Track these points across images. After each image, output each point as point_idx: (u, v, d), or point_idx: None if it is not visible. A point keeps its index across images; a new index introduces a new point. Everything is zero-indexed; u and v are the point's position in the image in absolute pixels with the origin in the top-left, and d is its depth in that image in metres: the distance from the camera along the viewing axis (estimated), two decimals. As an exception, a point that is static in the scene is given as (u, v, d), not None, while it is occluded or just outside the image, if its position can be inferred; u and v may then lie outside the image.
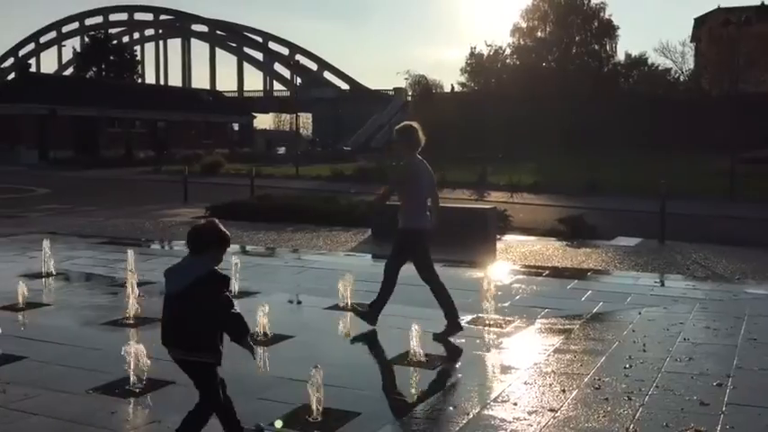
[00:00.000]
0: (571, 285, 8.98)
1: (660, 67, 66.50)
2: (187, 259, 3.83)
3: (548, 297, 8.23)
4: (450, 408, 4.75)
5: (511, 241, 13.10)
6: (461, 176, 29.09)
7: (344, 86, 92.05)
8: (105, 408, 4.67)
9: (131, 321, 6.83)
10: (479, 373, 5.60)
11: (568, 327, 6.88)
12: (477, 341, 6.45)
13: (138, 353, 5.01)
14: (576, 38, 68.36)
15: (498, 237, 13.00)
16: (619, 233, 14.30)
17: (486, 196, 24.07)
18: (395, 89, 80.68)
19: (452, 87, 68.00)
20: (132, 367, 5.00)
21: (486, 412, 4.66)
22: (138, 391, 4.93)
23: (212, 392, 3.88)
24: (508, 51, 67.80)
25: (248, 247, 12.33)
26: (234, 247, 12.34)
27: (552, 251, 12.04)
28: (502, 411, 4.67)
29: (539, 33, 68.87)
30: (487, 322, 6.95)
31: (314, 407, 4.45)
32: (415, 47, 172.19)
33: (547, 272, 9.92)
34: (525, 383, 5.22)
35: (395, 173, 6.58)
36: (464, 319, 7.05)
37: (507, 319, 7.11)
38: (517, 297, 8.20)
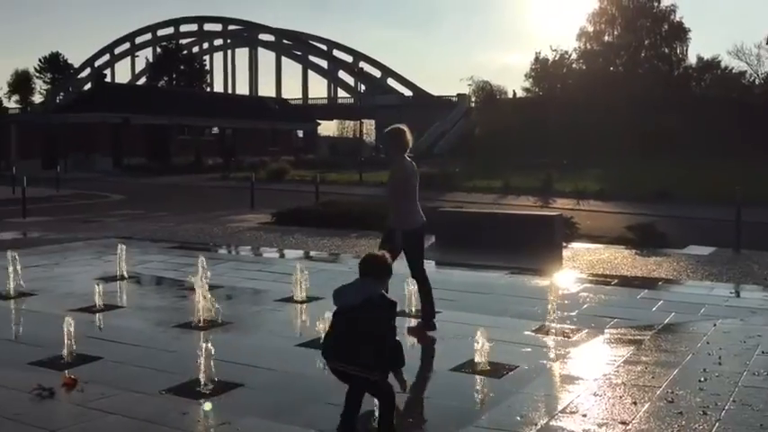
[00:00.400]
0: (641, 295, 8.75)
1: (734, 70, 64.33)
2: (359, 281, 4.12)
3: (617, 306, 8.03)
4: (517, 417, 4.68)
5: (578, 249, 12.86)
6: (525, 183, 28.77)
7: (408, 93, 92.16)
8: (177, 408, 4.80)
9: (201, 324, 7.00)
10: (546, 382, 5.51)
11: (639, 337, 6.70)
12: (544, 350, 6.35)
13: (208, 355, 5.12)
14: (646, 41, 66.77)
15: (564, 244, 12.78)
16: (691, 241, 13.85)
17: (551, 203, 23.71)
18: (458, 95, 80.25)
19: (514, 93, 67.20)
20: (203, 369, 5.12)
21: (554, 423, 4.58)
22: (208, 392, 5.04)
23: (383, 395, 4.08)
24: (574, 56, 66.77)
25: (313, 253, 12.47)
26: (298, 253, 12.53)
27: (621, 259, 11.75)
28: (571, 423, 4.59)
29: (606, 37, 67.53)
30: (554, 331, 6.83)
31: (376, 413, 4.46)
32: (480, 53, 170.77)
33: (615, 281, 9.68)
34: (594, 395, 5.11)
35: (396, 173, 6.92)
36: (530, 328, 6.97)
37: (575, 328, 6.97)
38: (585, 306, 8.03)
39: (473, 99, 70.75)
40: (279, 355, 6.09)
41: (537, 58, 65.40)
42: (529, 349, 6.33)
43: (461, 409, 4.91)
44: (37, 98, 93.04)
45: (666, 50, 66.35)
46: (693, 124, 50.48)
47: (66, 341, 5.78)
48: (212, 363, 5.12)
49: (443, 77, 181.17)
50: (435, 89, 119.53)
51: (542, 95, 63.59)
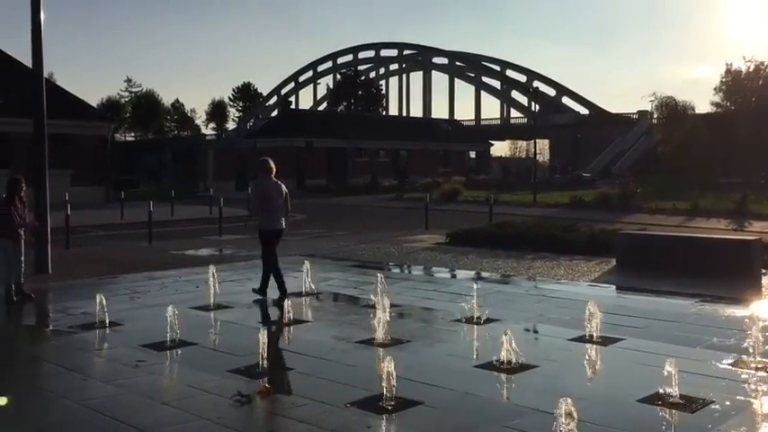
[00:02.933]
0: None
1: None
2: None
3: (829, 342, 7.22)
4: (714, 457, 4.37)
5: (779, 277, 11.73)
6: (716, 204, 26.80)
7: (584, 111, 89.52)
8: (362, 422, 4.98)
9: (381, 341, 7.22)
10: (747, 421, 5.08)
11: None
12: (743, 386, 5.86)
13: (389, 372, 5.27)
14: None
15: (764, 271, 11.73)
16: None
17: (746, 226, 21.85)
18: (639, 112, 76.69)
19: (693, 108, 62.42)
20: (385, 385, 5.27)
21: (756, 466, 4.22)
22: (390, 408, 5.18)
23: None
24: (772, 66, 61.16)
25: (488, 274, 12.43)
26: (473, 274, 12.53)
27: (832, 289, 10.56)
28: (777, 467, 4.20)
29: (810, 44, 61.22)
30: (754, 365, 6.28)
31: (563, 441, 4.35)
32: (663, 67, 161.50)
33: (826, 313, 8.72)
34: (804, 438, 4.64)
35: (256, 190, 10.12)
36: (725, 360, 6.47)
37: (779, 363, 6.37)
38: (790, 340, 7.30)
39: (655, 116, 67.06)
40: (457, 376, 6.14)
41: (728, 70, 60.70)
42: (724, 384, 5.87)
43: (650, 444, 4.66)
44: (230, 125, 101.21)
45: None
46: None
47: (260, 352, 6.21)
48: (393, 379, 5.26)
49: (623, 94, 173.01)
50: (614, 107, 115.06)
51: (735, 110, 58.91)
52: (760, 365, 6.28)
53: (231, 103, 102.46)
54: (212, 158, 59.36)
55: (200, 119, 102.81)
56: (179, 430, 4.93)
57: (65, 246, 15.90)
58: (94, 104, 59.38)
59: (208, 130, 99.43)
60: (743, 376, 6.10)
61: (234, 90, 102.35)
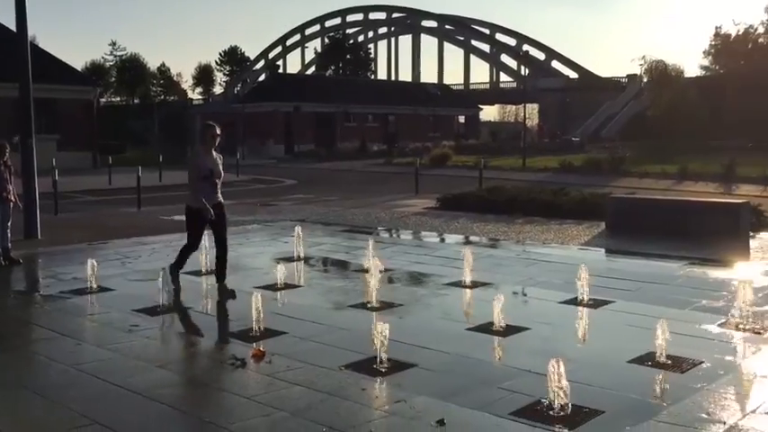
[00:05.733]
0: (844, 291, 7.91)
1: None
2: None
3: (815, 303, 7.33)
4: (703, 415, 4.45)
5: (767, 240, 11.86)
6: (704, 167, 26.94)
7: (573, 75, 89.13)
8: (356, 384, 5.03)
9: (374, 305, 7.25)
10: (735, 380, 5.17)
11: (843, 338, 6.09)
12: (731, 346, 5.95)
13: (383, 335, 5.31)
14: None
15: (752, 234, 11.85)
16: None
17: (734, 190, 22.01)
18: (628, 76, 76.48)
19: (683, 72, 62.13)
20: (379, 348, 5.31)
21: (745, 423, 4.30)
22: (384, 370, 5.23)
23: None
24: (761, 30, 61.10)
25: (478, 238, 12.48)
26: (464, 238, 12.58)
27: (818, 252, 10.69)
28: (765, 425, 4.28)
29: (800, 7, 61.12)
30: (742, 327, 6.37)
31: (556, 401, 4.41)
32: (654, 30, 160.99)
33: (812, 275, 8.84)
34: (791, 397, 4.73)
35: (191, 159, 8.62)
36: (714, 322, 6.56)
37: (767, 325, 6.46)
38: (777, 301, 7.41)
39: (645, 79, 66.95)
40: (450, 338, 6.19)
41: (717, 34, 60.61)
42: (714, 345, 5.96)
43: (640, 402, 4.73)
44: (217, 89, 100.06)
45: None
46: None
47: (254, 316, 6.23)
48: (387, 342, 5.30)
49: (613, 58, 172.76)
50: (604, 71, 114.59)
51: (723, 74, 58.91)
52: (748, 327, 6.37)
53: (218, 68, 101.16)
54: (199, 123, 58.81)
55: (186, 83, 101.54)
56: (175, 393, 4.96)
57: (53, 211, 15.79)
58: (78, 68, 58.47)
59: (195, 95, 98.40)
60: (732, 337, 6.19)
61: (220, 54, 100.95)
